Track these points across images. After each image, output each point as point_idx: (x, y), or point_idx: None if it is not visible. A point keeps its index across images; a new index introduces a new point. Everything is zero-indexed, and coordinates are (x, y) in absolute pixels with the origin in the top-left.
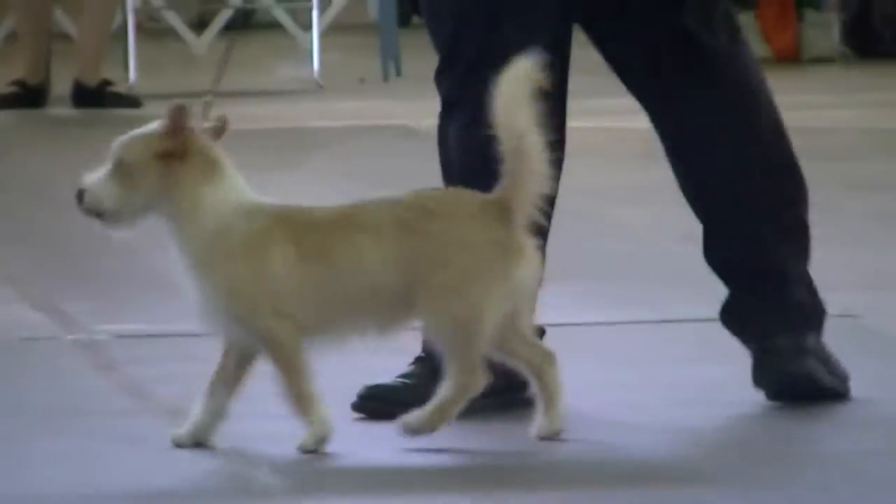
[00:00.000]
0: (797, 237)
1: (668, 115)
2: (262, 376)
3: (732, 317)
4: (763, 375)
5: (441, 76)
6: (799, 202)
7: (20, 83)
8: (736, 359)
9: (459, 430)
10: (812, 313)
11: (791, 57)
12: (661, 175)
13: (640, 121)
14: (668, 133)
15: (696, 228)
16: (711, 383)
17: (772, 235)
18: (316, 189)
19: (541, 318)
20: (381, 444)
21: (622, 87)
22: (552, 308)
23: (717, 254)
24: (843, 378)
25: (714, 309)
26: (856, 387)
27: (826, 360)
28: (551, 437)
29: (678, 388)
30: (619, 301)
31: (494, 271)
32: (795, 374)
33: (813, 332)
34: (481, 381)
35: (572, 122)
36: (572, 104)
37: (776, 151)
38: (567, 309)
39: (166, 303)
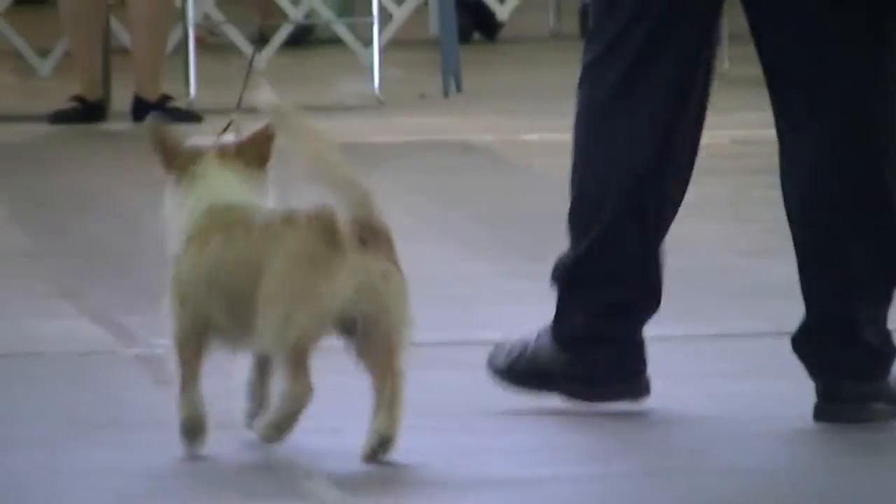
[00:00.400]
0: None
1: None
2: (323, 393)
3: (803, 345)
4: (825, 418)
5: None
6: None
7: (79, 98)
8: (794, 375)
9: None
10: (883, 357)
11: None
12: (717, 190)
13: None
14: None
15: (755, 244)
16: (768, 398)
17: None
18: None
19: None
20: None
21: None
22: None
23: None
24: None
25: (771, 324)
26: None
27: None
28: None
29: (735, 401)
30: (677, 315)
31: (304, 284)
32: (858, 420)
33: (881, 377)
34: (307, 390)
35: None
36: None
37: None
38: None
39: None
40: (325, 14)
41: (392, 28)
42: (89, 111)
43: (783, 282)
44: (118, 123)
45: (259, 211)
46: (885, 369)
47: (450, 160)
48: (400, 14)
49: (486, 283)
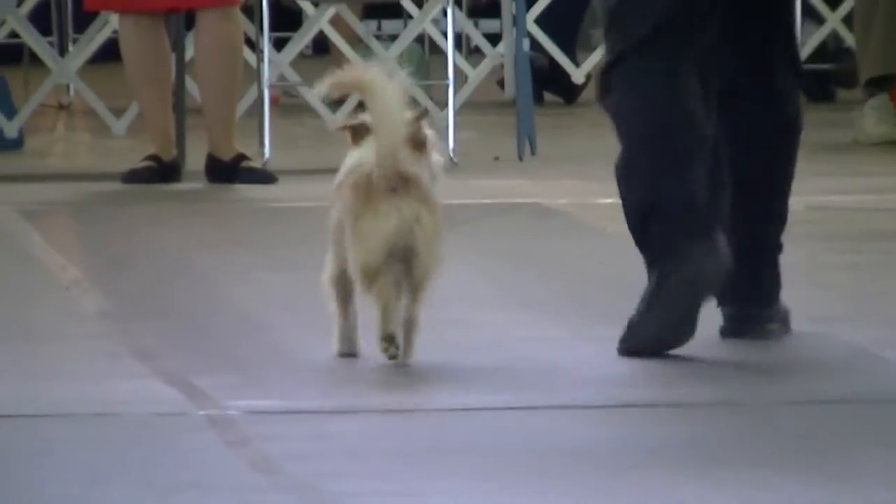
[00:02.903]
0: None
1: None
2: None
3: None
4: (732, 336)
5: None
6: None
7: (154, 158)
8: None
9: None
10: (778, 285)
11: None
12: (792, 257)
13: None
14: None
15: (830, 310)
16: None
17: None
18: (450, 266)
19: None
20: None
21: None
22: (667, 385)
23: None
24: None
25: (844, 390)
26: None
27: (784, 318)
28: None
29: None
30: (750, 381)
31: (354, 231)
32: (760, 339)
33: (776, 302)
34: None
35: None
36: None
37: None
38: (687, 385)
39: (299, 379)
40: None
41: (467, 90)
42: (164, 171)
43: (858, 347)
44: (193, 183)
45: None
46: (778, 295)
47: (524, 223)
48: (475, 76)
49: (563, 346)
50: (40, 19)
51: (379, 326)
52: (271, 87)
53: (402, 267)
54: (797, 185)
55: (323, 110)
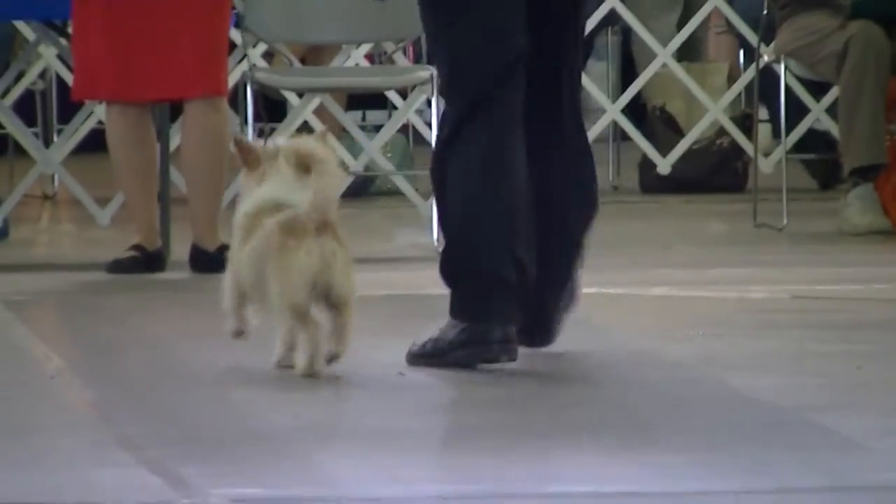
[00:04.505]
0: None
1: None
2: None
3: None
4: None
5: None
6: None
7: (138, 248)
8: None
9: None
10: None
11: None
12: (778, 345)
13: (757, 291)
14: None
15: (817, 399)
16: None
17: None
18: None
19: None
20: None
21: (741, 258)
22: (670, 476)
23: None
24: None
25: (831, 478)
26: None
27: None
28: None
29: None
30: (738, 469)
31: (283, 266)
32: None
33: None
34: (315, 329)
35: (696, 292)
36: (695, 274)
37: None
38: (685, 478)
39: (283, 465)
40: (385, 166)
41: None
42: (148, 260)
43: (844, 436)
44: (177, 273)
45: (283, 209)
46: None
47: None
48: None
49: (536, 439)
50: (25, 109)
51: (306, 366)
52: None
53: (322, 299)
54: (782, 275)
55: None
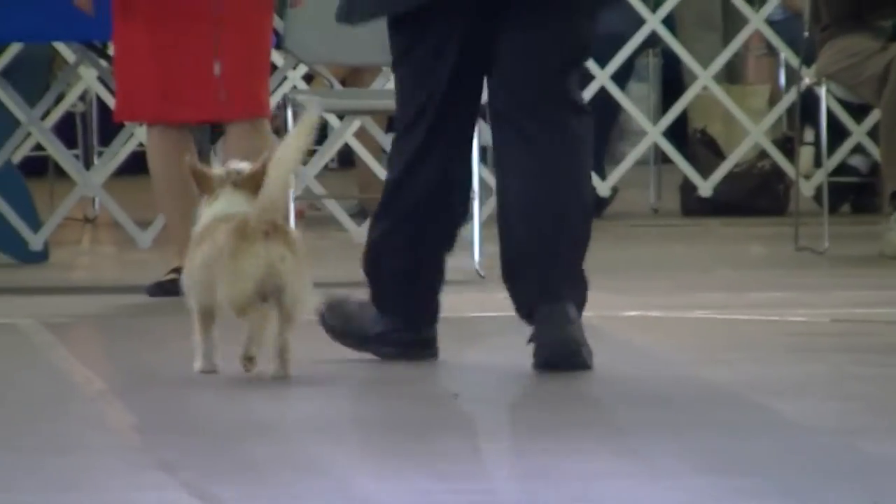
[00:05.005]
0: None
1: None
2: None
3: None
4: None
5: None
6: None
7: (178, 270)
8: None
9: None
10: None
11: None
12: (818, 369)
13: (797, 314)
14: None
15: (858, 422)
16: None
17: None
18: (475, 377)
19: None
20: None
21: (782, 281)
22: (713, 500)
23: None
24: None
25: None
26: None
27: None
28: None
29: None
30: (779, 494)
31: (230, 269)
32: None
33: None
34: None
35: (736, 315)
36: (736, 297)
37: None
38: (729, 502)
39: (318, 488)
40: None
41: (493, 202)
42: None
43: (885, 459)
44: None
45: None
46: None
47: None
48: None
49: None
50: (65, 131)
51: (245, 347)
52: (296, 200)
53: (274, 301)
54: (822, 298)
55: (349, 223)
